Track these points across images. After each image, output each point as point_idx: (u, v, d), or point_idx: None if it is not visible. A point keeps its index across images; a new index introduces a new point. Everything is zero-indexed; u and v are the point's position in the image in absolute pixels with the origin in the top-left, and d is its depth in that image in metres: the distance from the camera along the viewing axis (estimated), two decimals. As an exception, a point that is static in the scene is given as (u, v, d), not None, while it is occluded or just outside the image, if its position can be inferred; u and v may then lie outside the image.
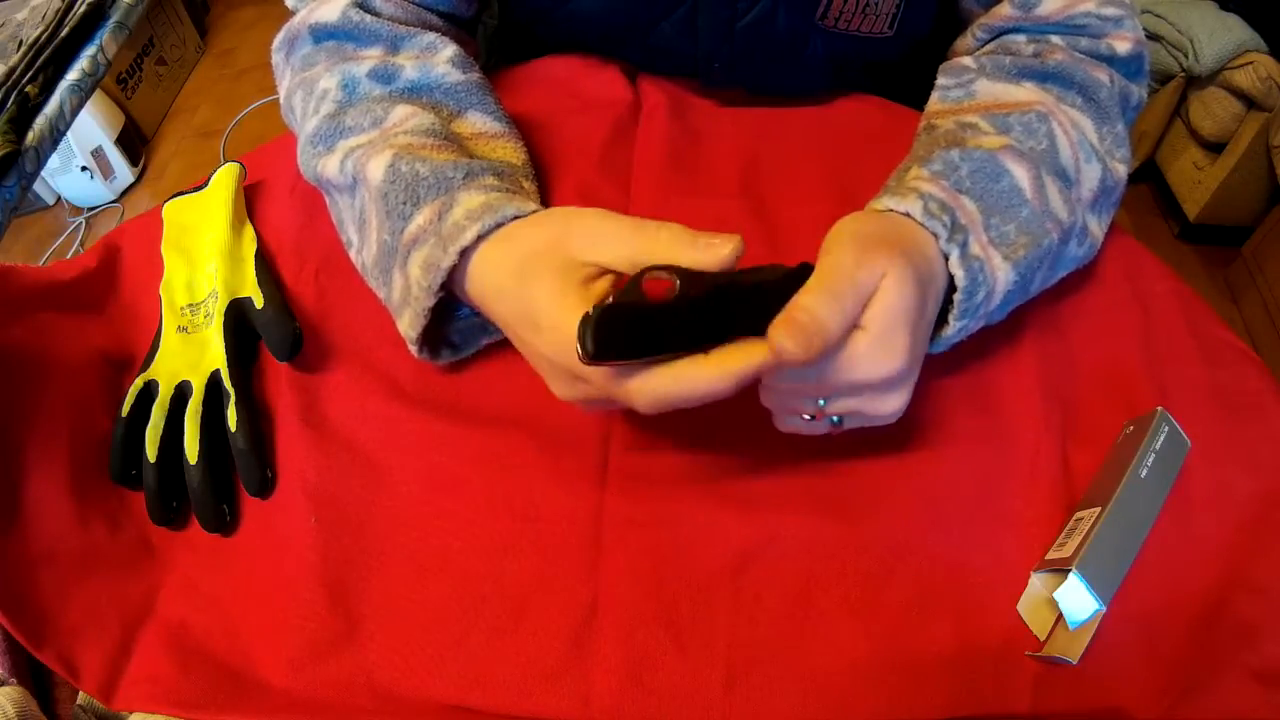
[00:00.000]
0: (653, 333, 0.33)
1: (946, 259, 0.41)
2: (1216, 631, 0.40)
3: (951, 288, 0.42)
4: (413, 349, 0.45)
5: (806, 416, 0.39)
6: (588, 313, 0.32)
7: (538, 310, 0.37)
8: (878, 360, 0.36)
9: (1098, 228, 0.49)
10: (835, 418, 0.39)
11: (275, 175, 0.59)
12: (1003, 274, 0.42)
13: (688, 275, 0.34)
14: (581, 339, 0.32)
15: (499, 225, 0.40)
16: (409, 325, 0.44)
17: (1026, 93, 0.48)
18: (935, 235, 0.41)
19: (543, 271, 0.37)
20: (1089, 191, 0.47)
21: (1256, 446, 0.46)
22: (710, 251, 0.35)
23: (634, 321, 0.33)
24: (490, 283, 0.40)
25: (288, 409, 0.48)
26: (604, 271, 0.37)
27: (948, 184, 0.43)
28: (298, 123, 0.52)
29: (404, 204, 0.43)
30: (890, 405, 0.39)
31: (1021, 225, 0.43)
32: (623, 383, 0.35)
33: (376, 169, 0.44)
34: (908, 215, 0.41)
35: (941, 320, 0.43)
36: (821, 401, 0.38)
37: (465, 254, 0.40)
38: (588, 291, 0.37)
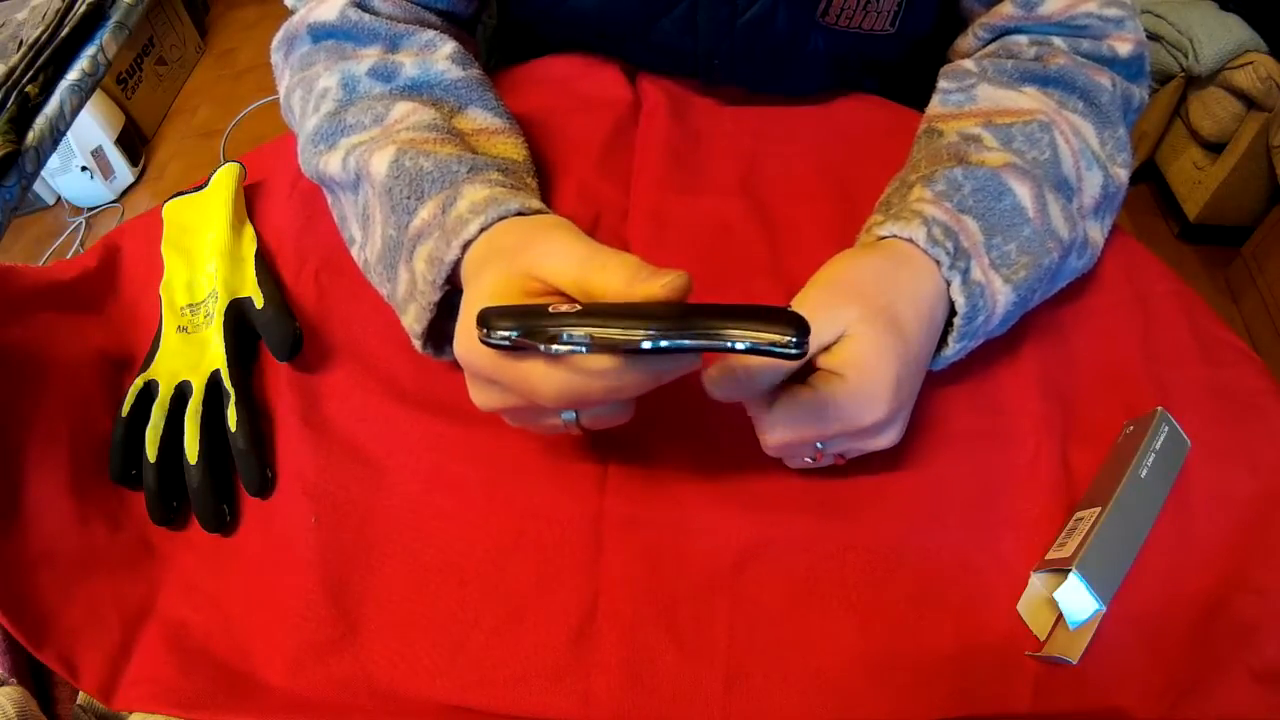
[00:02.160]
0: (551, 325, 0.31)
1: (948, 284, 0.42)
2: (1216, 631, 0.40)
3: (952, 311, 0.42)
4: (416, 344, 0.45)
5: (809, 460, 0.42)
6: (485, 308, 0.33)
7: (465, 305, 0.37)
8: (860, 408, 0.38)
9: (1099, 234, 0.50)
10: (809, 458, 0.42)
11: (275, 175, 0.59)
12: (1003, 296, 0.43)
13: (594, 306, 0.32)
14: (480, 318, 0.32)
15: (501, 219, 0.40)
16: (414, 319, 0.43)
17: (1028, 99, 0.48)
18: (938, 262, 0.41)
19: (490, 272, 0.37)
20: (1090, 199, 0.47)
21: (1256, 446, 0.46)
22: (644, 287, 0.32)
23: (530, 312, 0.32)
24: (466, 273, 0.40)
25: (288, 409, 0.48)
26: (552, 290, 0.35)
27: (950, 205, 0.43)
28: (297, 122, 0.52)
29: (408, 198, 0.43)
30: (884, 441, 0.40)
31: (1023, 245, 0.43)
32: (526, 372, 0.33)
33: (380, 164, 0.44)
34: (911, 241, 0.42)
35: (941, 341, 0.43)
36: (820, 444, 0.40)
37: (467, 247, 0.40)
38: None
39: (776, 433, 0.39)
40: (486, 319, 0.32)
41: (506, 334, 0.31)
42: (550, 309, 0.32)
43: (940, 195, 0.44)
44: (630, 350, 0.31)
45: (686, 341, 0.30)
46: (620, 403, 0.37)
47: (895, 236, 0.43)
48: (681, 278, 0.32)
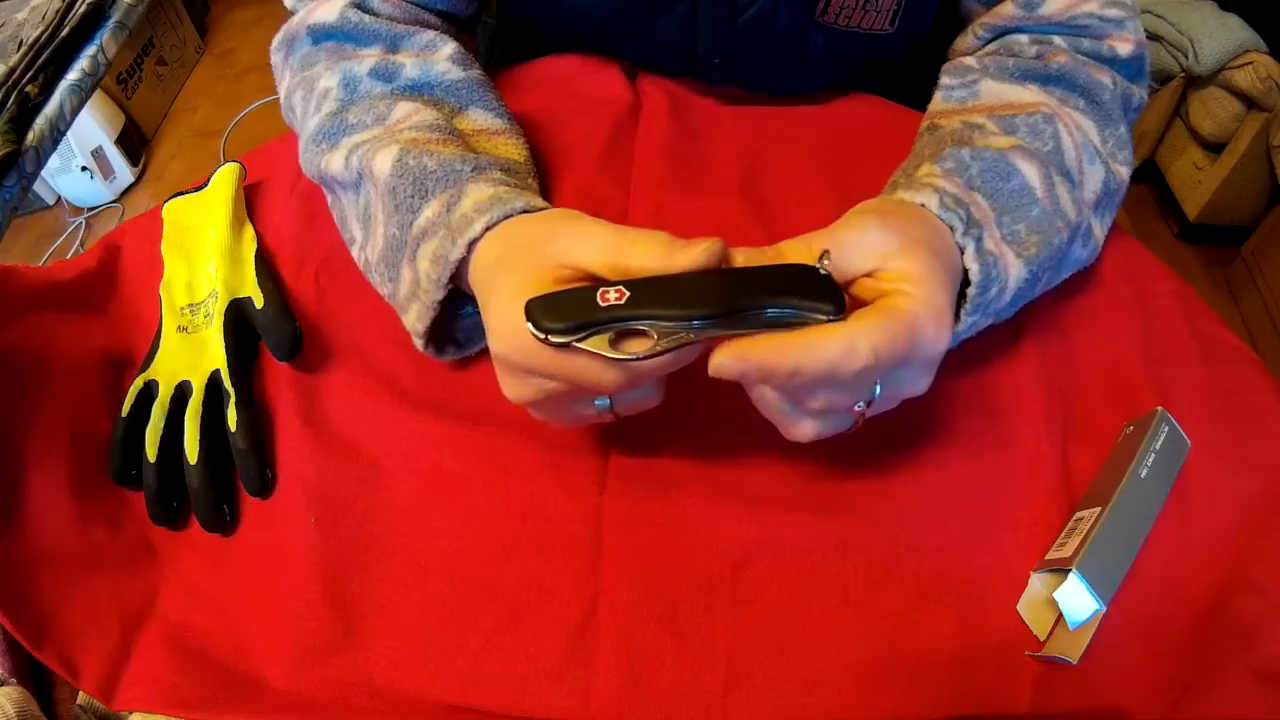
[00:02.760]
0: (607, 321, 0.33)
1: (962, 252, 0.41)
2: (1216, 631, 0.40)
3: (964, 283, 0.42)
4: (418, 343, 0.45)
5: (860, 405, 0.36)
6: (533, 296, 0.34)
7: (493, 300, 0.37)
8: (928, 326, 0.35)
9: (1100, 230, 0.50)
10: (860, 405, 0.37)
11: (275, 175, 0.59)
12: (1015, 271, 0.42)
13: (637, 282, 0.33)
14: (528, 313, 0.33)
15: (507, 218, 0.40)
16: (416, 319, 0.44)
17: (1031, 94, 0.48)
18: (952, 228, 0.41)
19: (516, 265, 0.37)
20: (1092, 194, 0.47)
21: (1256, 446, 0.46)
22: (681, 256, 0.34)
23: (580, 305, 0.33)
24: (477, 271, 0.40)
25: (288, 409, 0.48)
26: (582, 275, 0.36)
27: (960, 180, 0.43)
28: (298, 122, 0.52)
29: (412, 197, 0.43)
30: (925, 383, 0.37)
31: (1032, 224, 0.43)
32: (582, 365, 0.34)
33: (384, 163, 0.44)
34: (923, 207, 0.41)
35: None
36: (879, 389, 0.36)
37: (473, 246, 0.40)
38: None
39: (862, 346, 0.33)
40: (536, 318, 0.33)
41: (564, 339, 0.33)
42: (599, 299, 0.33)
43: (949, 171, 0.43)
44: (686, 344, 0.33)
45: (738, 330, 0.33)
46: (656, 385, 0.38)
47: (894, 200, 0.42)
48: (717, 244, 0.34)
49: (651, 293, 0.33)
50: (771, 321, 0.33)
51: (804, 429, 0.38)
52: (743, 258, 0.36)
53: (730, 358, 0.33)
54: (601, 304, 0.33)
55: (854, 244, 0.36)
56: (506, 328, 0.35)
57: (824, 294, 0.33)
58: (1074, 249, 0.47)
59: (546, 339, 0.33)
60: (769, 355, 0.33)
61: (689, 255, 0.34)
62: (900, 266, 0.35)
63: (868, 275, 0.36)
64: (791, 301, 0.33)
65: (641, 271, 0.34)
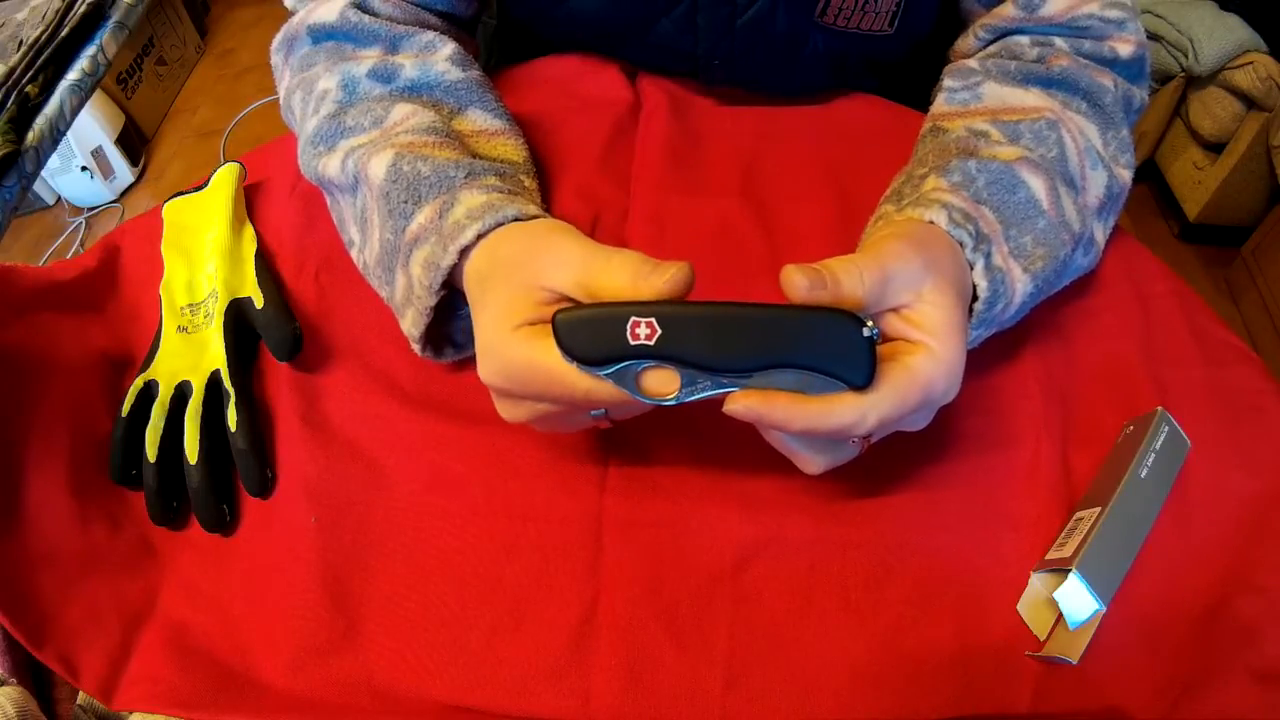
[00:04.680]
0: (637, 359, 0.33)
1: (971, 267, 0.41)
2: (1216, 631, 0.40)
3: (972, 297, 0.42)
4: (415, 347, 0.45)
5: (847, 453, 0.38)
6: (558, 314, 0.33)
7: (479, 325, 0.38)
8: (946, 381, 0.36)
9: (1101, 235, 0.50)
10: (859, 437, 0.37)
11: (275, 175, 0.59)
12: (1021, 285, 0.43)
13: (669, 316, 0.33)
14: (557, 333, 0.33)
15: (499, 225, 0.40)
16: (412, 324, 0.44)
17: (1034, 98, 0.48)
18: (961, 244, 0.41)
19: (499, 287, 0.37)
20: (1095, 199, 0.47)
21: (1256, 446, 0.46)
22: (646, 284, 0.34)
23: (611, 336, 0.33)
24: (468, 282, 0.40)
25: (288, 409, 0.48)
26: (562, 297, 0.36)
27: (967, 194, 0.43)
28: (297, 123, 0.52)
29: (405, 202, 0.43)
30: (924, 422, 0.38)
31: (1038, 237, 0.43)
32: (575, 383, 0.34)
33: (378, 168, 0.44)
34: (933, 224, 0.41)
35: None
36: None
37: (465, 253, 0.40)
38: (535, 316, 0.36)
39: (871, 417, 0.34)
40: (565, 341, 0.33)
41: (592, 370, 0.34)
42: (630, 333, 0.33)
43: (956, 186, 0.43)
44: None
45: (763, 381, 0.34)
46: None
47: (915, 221, 0.42)
48: (683, 270, 0.34)
49: (683, 332, 0.33)
50: (798, 377, 0.33)
51: (813, 464, 0.38)
52: (797, 273, 0.34)
53: (745, 408, 0.34)
54: (632, 341, 0.33)
55: (900, 279, 0.36)
56: (493, 355, 0.36)
57: (859, 364, 0.33)
58: (1075, 258, 0.47)
59: (588, 370, 0.34)
60: (783, 415, 0.34)
61: (653, 283, 0.34)
62: (928, 315, 0.36)
63: (894, 310, 0.36)
64: (826, 366, 0.33)
65: (610, 295, 0.34)
